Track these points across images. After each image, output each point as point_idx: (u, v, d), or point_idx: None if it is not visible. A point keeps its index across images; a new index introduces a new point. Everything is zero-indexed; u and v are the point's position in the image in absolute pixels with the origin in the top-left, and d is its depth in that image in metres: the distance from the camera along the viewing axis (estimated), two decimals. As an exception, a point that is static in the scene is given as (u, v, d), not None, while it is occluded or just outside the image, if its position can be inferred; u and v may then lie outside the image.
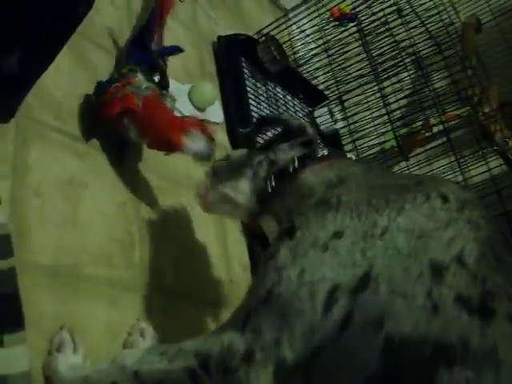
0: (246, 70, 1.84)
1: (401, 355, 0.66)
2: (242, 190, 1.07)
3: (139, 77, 1.21)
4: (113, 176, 1.20)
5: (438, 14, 1.79)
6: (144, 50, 1.32)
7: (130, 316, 1.05)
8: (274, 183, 1.02)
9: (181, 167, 1.41)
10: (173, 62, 1.55)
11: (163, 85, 1.26)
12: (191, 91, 1.56)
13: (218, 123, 1.63)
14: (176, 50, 1.39)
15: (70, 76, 1.22)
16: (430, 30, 1.82)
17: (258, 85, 1.87)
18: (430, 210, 0.75)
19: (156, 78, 1.28)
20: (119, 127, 1.17)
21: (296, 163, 1.01)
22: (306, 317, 0.72)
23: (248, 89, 1.78)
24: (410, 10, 1.86)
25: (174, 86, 1.47)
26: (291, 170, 1.00)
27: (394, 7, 1.90)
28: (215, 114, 1.64)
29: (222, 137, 1.64)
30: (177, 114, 1.32)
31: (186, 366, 0.77)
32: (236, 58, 1.83)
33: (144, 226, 1.21)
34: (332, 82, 2.07)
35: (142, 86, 1.19)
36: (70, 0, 0.94)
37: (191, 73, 1.66)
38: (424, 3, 1.92)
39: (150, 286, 1.12)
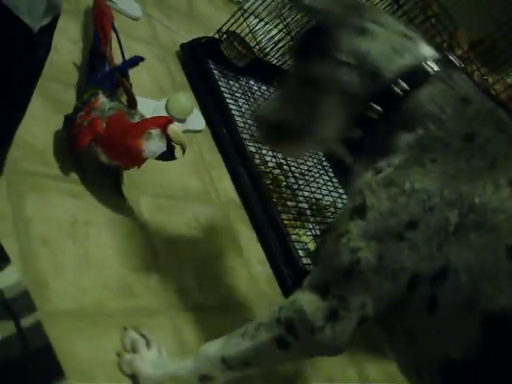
0: (215, 72, 1.83)
1: (503, 322, 0.72)
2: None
3: (101, 99, 1.20)
4: (113, 207, 1.20)
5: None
6: (101, 71, 1.32)
7: (161, 338, 1.05)
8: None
9: (175, 181, 1.41)
10: (143, 80, 1.55)
11: (131, 104, 1.25)
12: (168, 105, 1.55)
13: (200, 130, 1.63)
14: (137, 60, 1.38)
15: (45, 120, 1.22)
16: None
17: (231, 82, 1.86)
18: (499, 202, 0.75)
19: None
20: (94, 155, 1.17)
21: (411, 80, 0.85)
22: (392, 290, 0.78)
23: (222, 89, 1.78)
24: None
25: (150, 104, 1.46)
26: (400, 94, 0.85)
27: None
28: (196, 121, 1.64)
29: (209, 142, 1.64)
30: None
31: (272, 336, 0.85)
32: (203, 61, 1.82)
33: (155, 248, 1.21)
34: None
35: (106, 108, 1.18)
36: (29, 47, 0.94)
37: (163, 87, 1.66)
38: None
39: (175, 306, 1.13)
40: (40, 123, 1.19)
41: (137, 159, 1.15)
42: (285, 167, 1.76)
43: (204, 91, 1.75)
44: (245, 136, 1.68)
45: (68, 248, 1.04)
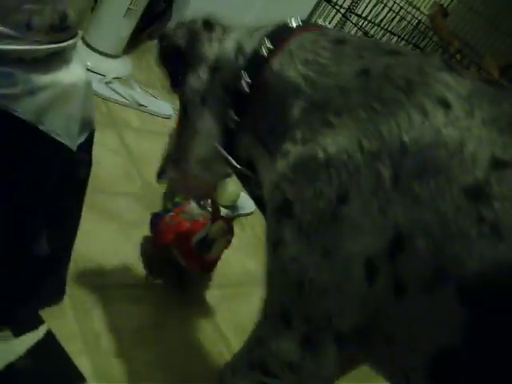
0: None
1: (481, 292, 0.57)
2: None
3: (192, 204, 1.23)
4: (179, 306, 1.19)
5: (402, 18, 1.81)
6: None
7: None
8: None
9: (235, 268, 1.39)
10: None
11: (214, 216, 1.26)
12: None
13: (251, 212, 1.63)
14: None
15: (97, 232, 1.24)
16: (398, 34, 1.83)
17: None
18: (433, 131, 0.60)
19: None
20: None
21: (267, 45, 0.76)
22: (351, 292, 0.63)
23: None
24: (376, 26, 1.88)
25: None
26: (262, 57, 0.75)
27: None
28: (246, 205, 1.65)
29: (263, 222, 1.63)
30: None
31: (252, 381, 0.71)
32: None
33: (227, 340, 1.18)
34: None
35: (195, 213, 1.21)
36: (71, 165, 0.96)
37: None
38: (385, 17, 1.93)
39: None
40: (93, 236, 1.21)
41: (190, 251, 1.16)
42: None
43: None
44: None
45: (140, 355, 1.03)
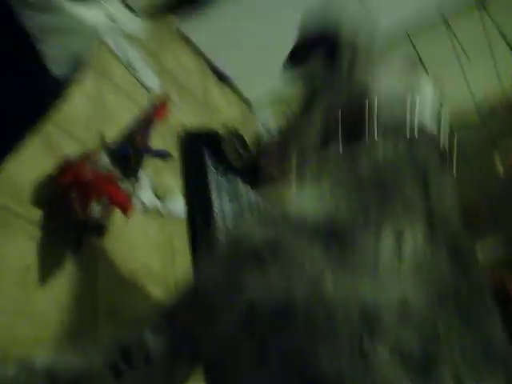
0: (209, 163, 1.87)
1: None
2: None
3: (103, 159, 1.24)
4: (70, 265, 1.18)
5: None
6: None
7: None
8: None
9: (139, 257, 1.40)
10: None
11: (131, 173, 1.28)
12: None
13: (178, 217, 1.65)
14: (167, 155, 1.46)
15: (34, 161, 1.22)
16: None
17: (221, 179, 1.89)
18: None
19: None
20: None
21: None
22: None
23: (210, 182, 1.81)
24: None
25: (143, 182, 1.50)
26: None
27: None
28: (178, 207, 1.66)
29: (182, 230, 1.64)
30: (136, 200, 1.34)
31: (107, 361, 0.77)
32: (199, 151, 1.86)
33: (99, 314, 1.18)
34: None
35: (100, 163, 1.22)
36: (43, 90, 0.96)
37: (156, 163, 1.68)
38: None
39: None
40: (29, 163, 1.20)
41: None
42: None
43: (192, 179, 1.78)
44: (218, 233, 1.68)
45: (12, 291, 1.02)
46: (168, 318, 0.79)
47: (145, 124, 1.43)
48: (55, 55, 0.89)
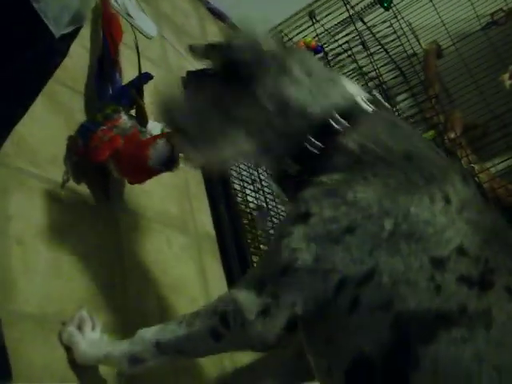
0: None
1: (408, 326, 0.78)
2: None
3: (123, 117, 1.24)
4: (93, 220, 1.20)
5: (401, 45, 1.85)
6: (113, 83, 1.35)
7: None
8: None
9: (156, 204, 1.42)
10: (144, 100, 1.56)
11: (142, 121, 1.28)
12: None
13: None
14: (147, 77, 1.39)
15: (44, 122, 1.22)
16: (394, 60, 1.87)
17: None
18: (431, 214, 0.82)
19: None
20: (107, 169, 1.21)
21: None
22: (321, 291, 0.83)
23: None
24: (375, 41, 1.92)
25: (151, 124, 1.48)
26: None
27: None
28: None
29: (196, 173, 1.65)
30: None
31: (206, 326, 0.88)
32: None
33: (126, 268, 1.21)
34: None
35: (127, 126, 1.22)
36: (47, 51, 0.95)
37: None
38: (387, 35, 1.98)
39: (135, 329, 1.12)
40: (39, 123, 1.20)
41: (143, 169, 1.19)
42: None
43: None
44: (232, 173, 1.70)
45: (42, 252, 1.05)
46: (259, 285, 0.86)
47: (112, 42, 1.42)
48: (54, 14, 0.88)
